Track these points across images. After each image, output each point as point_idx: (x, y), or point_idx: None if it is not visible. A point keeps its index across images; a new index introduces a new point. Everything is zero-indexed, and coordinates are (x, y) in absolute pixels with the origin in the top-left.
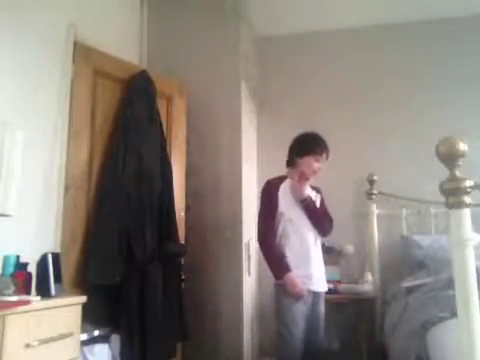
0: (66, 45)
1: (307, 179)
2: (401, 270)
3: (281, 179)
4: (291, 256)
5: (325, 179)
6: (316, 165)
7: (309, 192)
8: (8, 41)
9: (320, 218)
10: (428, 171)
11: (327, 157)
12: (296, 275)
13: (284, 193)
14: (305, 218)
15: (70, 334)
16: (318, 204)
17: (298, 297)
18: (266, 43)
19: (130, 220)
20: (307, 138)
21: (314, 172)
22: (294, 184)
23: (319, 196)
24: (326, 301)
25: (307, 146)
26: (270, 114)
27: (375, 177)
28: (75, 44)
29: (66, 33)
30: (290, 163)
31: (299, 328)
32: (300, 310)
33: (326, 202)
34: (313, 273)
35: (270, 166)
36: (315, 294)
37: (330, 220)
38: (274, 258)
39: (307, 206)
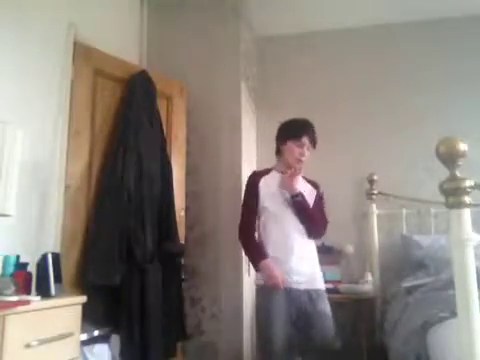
0: (66, 45)
1: (296, 172)
2: (401, 270)
3: (267, 171)
4: (272, 253)
5: (325, 179)
6: (297, 151)
7: (303, 186)
8: (8, 41)
9: (310, 217)
10: (428, 171)
11: (313, 143)
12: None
13: (266, 185)
14: (289, 211)
15: (70, 334)
16: (312, 201)
17: (275, 285)
18: (266, 43)
19: (130, 220)
20: (289, 123)
21: (297, 159)
22: (284, 177)
23: (315, 192)
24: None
25: (288, 131)
26: (270, 114)
27: (375, 177)
28: (75, 44)
29: (66, 33)
30: (277, 152)
31: (277, 331)
32: (278, 311)
33: (327, 201)
34: (295, 268)
35: (270, 166)
36: (304, 292)
37: (324, 221)
38: (251, 246)
39: (296, 203)
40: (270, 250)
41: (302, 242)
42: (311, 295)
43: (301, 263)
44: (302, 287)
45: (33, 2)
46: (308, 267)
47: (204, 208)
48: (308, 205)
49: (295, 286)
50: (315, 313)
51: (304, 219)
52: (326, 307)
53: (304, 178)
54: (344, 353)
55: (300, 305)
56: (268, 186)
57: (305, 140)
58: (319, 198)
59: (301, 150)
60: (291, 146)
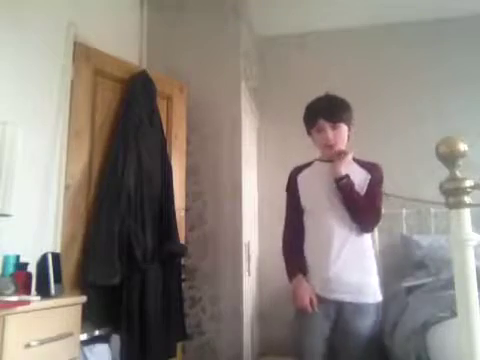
0: (66, 45)
1: (342, 154)
2: (401, 270)
3: (308, 164)
4: (311, 261)
5: None
6: (320, 138)
7: (353, 170)
8: (8, 41)
9: (356, 204)
10: (428, 171)
11: (332, 118)
12: (307, 280)
13: (305, 180)
14: (333, 208)
15: (70, 334)
16: (363, 187)
17: (302, 309)
18: (266, 43)
19: (130, 220)
20: (305, 110)
21: (327, 146)
22: (326, 165)
23: (369, 177)
24: None
25: (305, 120)
26: (270, 114)
27: None
28: (75, 44)
29: (66, 33)
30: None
31: (307, 350)
32: (313, 329)
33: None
34: (336, 277)
35: (270, 166)
36: (341, 305)
37: (373, 208)
38: (286, 258)
39: (341, 188)
40: (309, 258)
41: (349, 243)
42: (349, 309)
43: (345, 270)
44: (343, 298)
45: (33, 2)
46: (353, 274)
47: (204, 208)
48: (353, 189)
49: (333, 297)
50: (347, 332)
51: (350, 208)
52: (364, 326)
53: (358, 162)
54: None
55: (336, 319)
56: (308, 180)
57: (322, 122)
58: (375, 182)
59: (323, 135)
60: (314, 135)
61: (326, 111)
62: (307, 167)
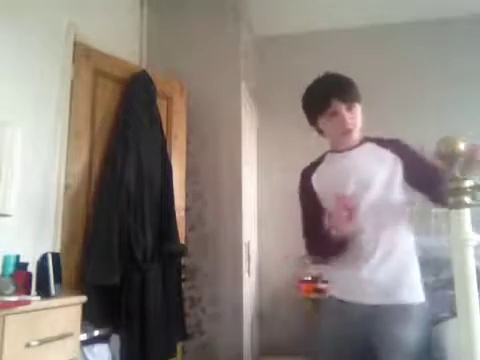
0: (66, 45)
1: (347, 132)
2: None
3: (319, 160)
4: (344, 267)
5: None
6: (334, 124)
7: (371, 155)
8: (8, 41)
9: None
10: None
11: (348, 97)
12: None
13: (322, 178)
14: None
15: (70, 334)
16: (396, 174)
17: None
18: (266, 43)
19: (130, 220)
20: (307, 95)
21: (345, 131)
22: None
23: (393, 158)
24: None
25: (310, 106)
26: (270, 114)
27: None
28: (75, 44)
29: (66, 33)
30: (320, 132)
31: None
32: (334, 334)
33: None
34: (369, 277)
35: (270, 166)
36: (370, 309)
37: (432, 171)
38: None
39: None
40: (341, 263)
41: (383, 239)
42: (382, 315)
43: (378, 268)
44: (369, 301)
45: (33, 2)
46: (388, 271)
47: (204, 208)
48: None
49: (359, 299)
50: (382, 343)
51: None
52: (404, 334)
53: (379, 142)
54: None
55: (362, 328)
56: (325, 178)
57: (336, 104)
58: (411, 159)
59: (340, 119)
60: (324, 123)
61: (339, 90)
62: (320, 163)
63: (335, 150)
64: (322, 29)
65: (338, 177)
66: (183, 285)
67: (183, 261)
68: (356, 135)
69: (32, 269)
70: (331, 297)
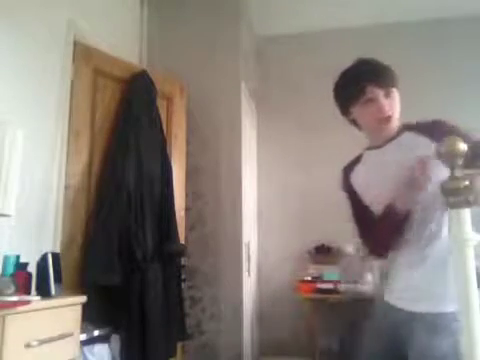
0: (66, 45)
1: (385, 120)
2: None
3: (357, 159)
4: (395, 272)
5: (325, 178)
6: (371, 113)
7: (410, 145)
8: (8, 41)
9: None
10: None
11: (385, 82)
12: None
13: (361, 178)
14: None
15: (70, 334)
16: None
17: None
18: (266, 43)
19: (130, 220)
20: (339, 82)
21: (382, 118)
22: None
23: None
24: (325, 301)
25: (343, 95)
26: (270, 114)
27: None
28: (75, 44)
29: (66, 33)
30: (355, 124)
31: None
32: (373, 337)
33: (327, 202)
34: (411, 282)
35: (270, 166)
36: (402, 314)
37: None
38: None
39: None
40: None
41: (423, 246)
42: (411, 322)
43: (416, 272)
44: (401, 305)
45: (33, 2)
46: (422, 275)
47: (204, 208)
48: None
49: (393, 302)
50: (411, 352)
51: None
52: (432, 345)
53: (418, 129)
54: (344, 353)
55: (395, 333)
56: (364, 178)
57: (372, 89)
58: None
59: (377, 105)
60: (360, 112)
61: (374, 75)
62: (357, 162)
63: (372, 146)
64: (322, 29)
65: (376, 177)
66: (183, 285)
67: (183, 261)
68: (394, 124)
69: (32, 269)
70: (384, 302)
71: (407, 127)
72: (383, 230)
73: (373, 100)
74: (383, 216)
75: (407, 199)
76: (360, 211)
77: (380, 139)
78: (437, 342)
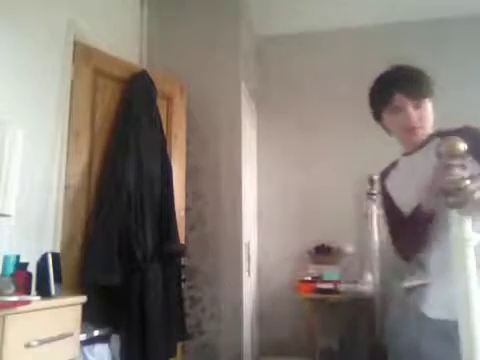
0: (66, 45)
1: (413, 130)
2: (401, 270)
3: (393, 164)
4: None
5: (326, 179)
6: (398, 122)
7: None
8: (8, 41)
9: None
10: None
11: (414, 92)
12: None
13: (395, 185)
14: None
15: (70, 334)
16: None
17: None
18: (266, 43)
19: (130, 220)
20: (373, 86)
21: (408, 129)
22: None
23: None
24: (325, 301)
25: (374, 100)
26: (270, 114)
27: (375, 177)
28: (75, 44)
29: (66, 33)
30: (387, 130)
31: None
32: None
33: (327, 202)
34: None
35: (270, 166)
36: (436, 324)
37: None
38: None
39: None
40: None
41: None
42: (449, 331)
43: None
44: (436, 315)
45: (33, 2)
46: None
47: (204, 208)
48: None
49: (425, 311)
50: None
51: None
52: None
53: (445, 134)
54: (344, 353)
55: (429, 344)
56: (398, 184)
57: (401, 98)
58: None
59: (404, 116)
60: (389, 119)
61: (404, 83)
62: (393, 167)
63: (406, 152)
64: (322, 29)
65: (406, 183)
66: (183, 285)
67: (183, 261)
68: (422, 133)
69: (32, 269)
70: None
71: (437, 134)
72: (410, 231)
73: (401, 109)
74: (410, 217)
75: (430, 202)
76: (393, 215)
77: (411, 146)
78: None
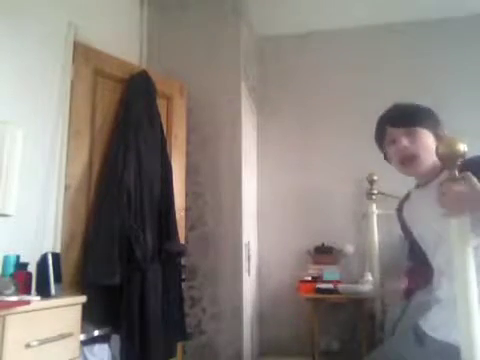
0: (66, 45)
1: (407, 160)
2: (401, 270)
3: (407, 195)
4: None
5: (326, 179)
6: (393, 152)
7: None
8: (8, 41)
9: None
10: None
11: (403, 122)
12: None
13: (409, 216)
14: (442, 243)
15: (70, 334)
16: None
17: None
18: (266, 43)
19: (130, 220)
20: (375, 128)
21: (404, 157)
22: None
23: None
24: (325, 301)
25: (375, 138)
26: (270, 114)
27: (375, 177)
28: (75, 44)
29: (66, 33)
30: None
31: None
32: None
33: (327, 202)
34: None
35: (270, 166)
36: (434, 344)
37: None
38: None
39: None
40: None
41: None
42: (449, 353)
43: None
44: (434, 335)
45: (33, 2)
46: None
47: (204, 208)
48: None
49: (425, 329)
50: None
51: None
52: None
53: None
54: (344, 353)
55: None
56: (411, 216)
57: (392, 131)
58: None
59: (397, 147)
60: (389, 153)
61: (395, 116)
62: (405, 200)
63: (417, 184)
64: (322, 29)
65: (418, 215)
66: (183, 285)
67: (183, 261)
68: (421, 162)
69: (32, 269)
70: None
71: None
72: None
73: (395, 140)
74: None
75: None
76: (411, 245)
77: (423, 179)
78: None
